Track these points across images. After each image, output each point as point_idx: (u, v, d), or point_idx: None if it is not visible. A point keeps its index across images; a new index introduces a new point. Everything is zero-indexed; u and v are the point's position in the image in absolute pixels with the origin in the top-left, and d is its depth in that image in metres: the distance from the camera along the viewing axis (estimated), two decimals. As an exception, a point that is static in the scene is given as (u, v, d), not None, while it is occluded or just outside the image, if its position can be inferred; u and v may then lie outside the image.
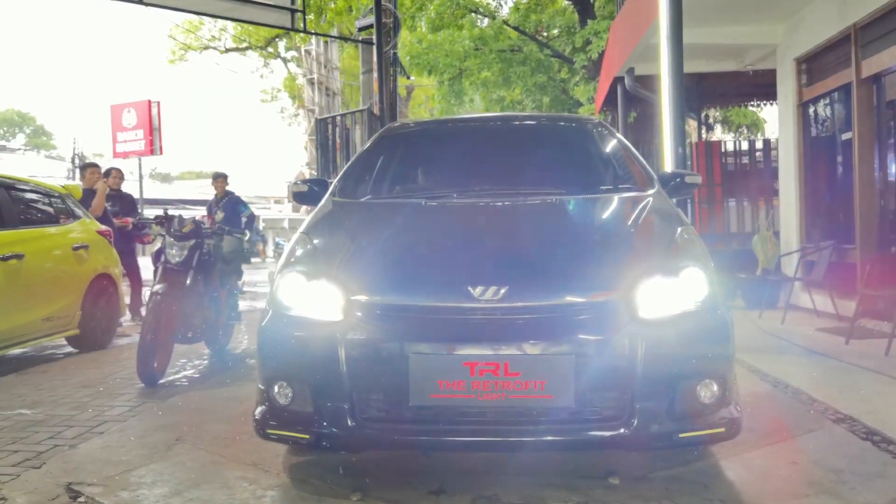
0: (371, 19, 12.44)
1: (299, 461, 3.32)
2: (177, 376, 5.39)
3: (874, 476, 3.04)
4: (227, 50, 32.95)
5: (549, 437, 2.58)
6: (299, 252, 3.12)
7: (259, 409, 2.94)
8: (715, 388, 2.72)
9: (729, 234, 11.03)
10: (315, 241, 3.19)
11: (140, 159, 33.93)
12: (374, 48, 11.61)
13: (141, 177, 33.58)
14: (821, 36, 7.82)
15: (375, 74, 11.77)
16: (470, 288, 2.67)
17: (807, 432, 3.69)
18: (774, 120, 21.84)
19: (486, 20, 18.70)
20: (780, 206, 9.21)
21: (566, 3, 18.26)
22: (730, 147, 11.87)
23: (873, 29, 6.94)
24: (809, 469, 3.14)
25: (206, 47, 32.45)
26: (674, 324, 2.69)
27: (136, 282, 8.93)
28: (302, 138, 40.75)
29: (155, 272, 5.46)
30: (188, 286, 5.31)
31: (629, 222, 3.17)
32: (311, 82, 34.13)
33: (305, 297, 2.87)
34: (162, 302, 5.05)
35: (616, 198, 3.50)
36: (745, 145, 11.54)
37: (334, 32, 20.07)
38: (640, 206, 3.29)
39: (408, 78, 16.46)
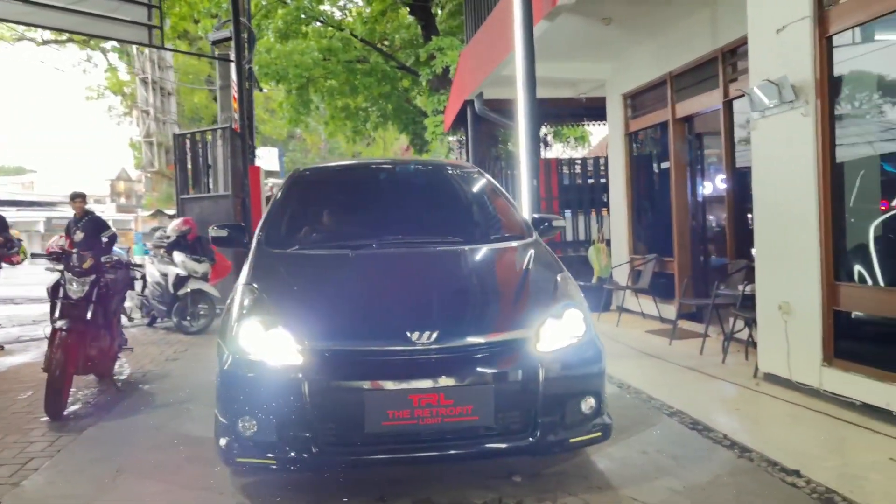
0: (226, 32, 12.54)
1: (247, 482, 3.79)
2: (76, 408, 5.54)
3: (703, 459, 4.04)
4: (45, 42, 30.79)
5: (476, 449, 3.31)
6: (250, 302, 3.61)
7: (224, 441, 3.41)
8: (593, 402, 3.56)
9: (566, 243, 12.31)
10: (261, 292, 3.68)
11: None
12: (234, 64, 11.75)
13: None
14: (643, 78, 9.13)
15: (234, 91, 11.93)
16: (408, 333, 3.33)
17: (650, 426, 4.67)
18: (599, 134, 24.00)
19: (333, 30, 19.08)
20: (612, 222, 10.51)
21: (410, 17, 19.06)
22: (565, 163, 13.19)
23: (684, 79, 8.28)
24: (655, 457, 4.09)
25: (21, 38, 30.15)
26: (563, 354, 3.50)
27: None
28: (129, 136, 38.87)
29: (53, 307, 5.58)
30: (89, 321, 5.50)
31: (522, 270, 3.94)
32: (143, 82, 32.65)
33: (264, 344, 3.39)
34: (67, 338, 5.22)
35: (508, 247, 4.27)
36: (578, 162, 12.88)
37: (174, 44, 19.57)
38: (528, 255, 4.08)
39: (260, 90, 16.52)
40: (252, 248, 4.27)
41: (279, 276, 3.87)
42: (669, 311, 8.50)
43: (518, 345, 3.42)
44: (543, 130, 16.93)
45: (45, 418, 5.18)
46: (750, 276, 6.82)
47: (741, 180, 7.58)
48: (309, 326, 3.40)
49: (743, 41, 6.97)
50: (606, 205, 12.25)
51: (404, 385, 3.24)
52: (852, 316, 4.94)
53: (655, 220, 9.82)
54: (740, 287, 6.50)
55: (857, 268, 4.93)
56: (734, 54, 7.29)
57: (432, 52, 17.03)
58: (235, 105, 12.17)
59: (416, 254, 4.14)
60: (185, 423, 5.05)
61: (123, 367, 7.19)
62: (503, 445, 3.35)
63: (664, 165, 9.19)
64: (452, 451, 3.29)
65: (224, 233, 4.67)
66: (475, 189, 4.95)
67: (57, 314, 5.45)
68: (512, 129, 13.56)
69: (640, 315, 9.16)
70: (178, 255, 9.58)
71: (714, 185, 8.79)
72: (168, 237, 9.83)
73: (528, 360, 3.39)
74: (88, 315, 5.49)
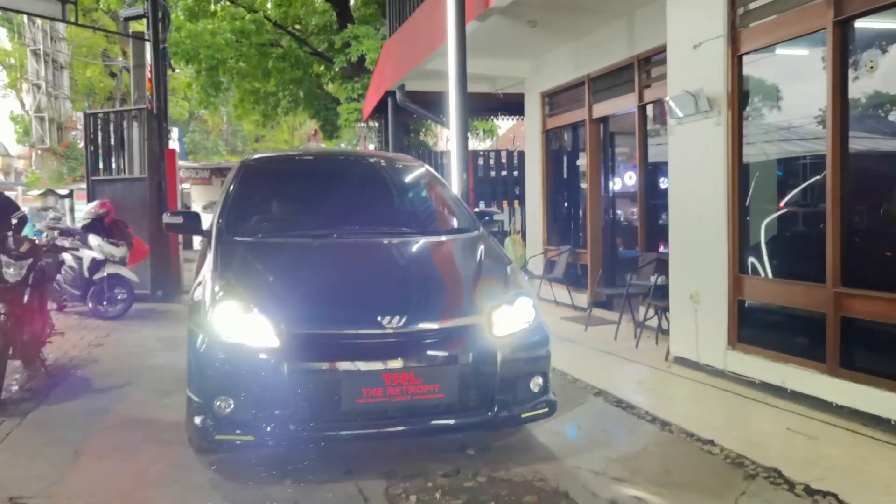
0: (139, 9, 12.21)
1: (213, 459, 3.94)
2: (10, 394, 5.43)
3: (631, 432, 4.51)
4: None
5: (441, 423, 3.63)
6: (222, 288, 3.76)
7: (200, 419, 3.57)
8: (541, 381, 3.94)
9: (481, 233, 12.78)
10: (231, 279, 3.84)
11: None
12: (149, 44, 11.49)
13: None
14: (562, 79, 9.63)
15: (149, 72, 11.67)
16: (379, 318, 3.60)
17: (579, 405, 5.11)
18: (505, 127, 24.64)
19: (244, 11, 18.75)
20: (527, 214, 11.02)
21: (325, 3, 18.98)
22: (480, 155, 13.64)
23: (601, 82, 8.83)
24: (589, 431, 4.52)
25: None
26: (516, 338, 3.86)
27: None
28: (10, 110, 36.45)
29: (-16, 290, 5.47)
30: (25, 304, 5.43)
31: (476, 261, 4.26)
32: (35, 53, 30.78)
33: (241, 328, 3.57)
34: (6, 322, 5.15)
35: (460, 238, 4.59)
36: (493, 155, 13.36)
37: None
38: (480, 247, 4.41)
39: (172, 70, 16.09)
40: (213, 235, 4.39)
41: (247, 263, 4.03)
42: (582, 299, 9.07)
43: (477, 329, 3.76)
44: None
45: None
46: (660, 269, 7.43)
47: (652, 178, 8.21)
48: (284, 311, 3.61)
49: (657, 51, 7.56)
50: (520, 197, 12.79)
51: (378, 366, 3.51)
52: (751, 305, 5.54)
53: (569, 214, 10.39)
54: (652, 278, 7.08)
55: (756, 261, 5.55)
56: (649, 62, 7.86)
57: (348, 40, 17.08)
58: (150, 86, 11.91)
59: (376, 244, 4.39)
60: (130, 407, 5.11)
61: (47, 353, 7.04)
62: (465, 420, 3.69)
63: (579, 162, 9.74)
64: (420, 426, 3.60)
65: (179, 220, 4.76)
66: (424, 183, 5.23)
67: (-8, 298, 5.35)
68: (431, 120, 13.91)
69: (554, 303, 9.70)
70: (93, 239, 9.35)
71: (626, 182, 9.43)
72: (84, 220, 9.57)
73: (486, 343, 3.73)
74: (25, 299, 5.42)
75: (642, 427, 4.61)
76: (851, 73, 4.61)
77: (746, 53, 5.43)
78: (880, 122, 4.78)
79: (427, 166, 5.49)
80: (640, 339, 7.03)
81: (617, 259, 9.14)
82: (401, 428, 3.58)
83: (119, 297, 9.37)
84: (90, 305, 9.24)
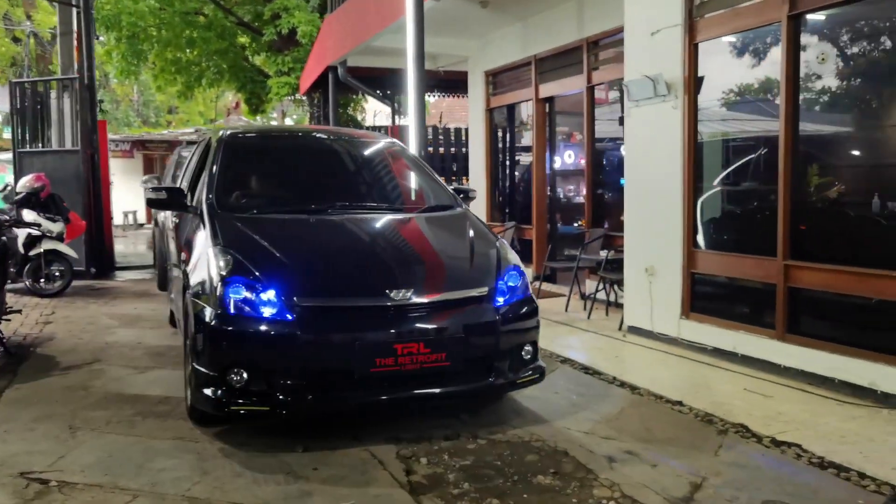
0: (64, -27, 11.68)
1: (217, 430, 4.01)
2: (-26, 372, 5.32)
3: (605, 396, 4.84)
4: None
5: (447, 390, 3.83)
6: (227, 263, 3.81)
7: (210, 391, 3.64)
8: (531, 349, 4.20)
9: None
10: (235, 254, 3.89)
11: None
12: (76, 10, 11.02)
13: None
14: (508, 58, 9.86)
15: (76, 40, 11.20)
16: (387, 290, 3.76)
17: (550, 371, 5.34)
18: (436, 105, 24.73)
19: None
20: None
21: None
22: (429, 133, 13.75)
23: (549, 62, 9.11)
24: (567, 395, 4.82)
25: None
26: (512, 309, 4.09)
27: None
28: None
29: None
30: (-13, 281, 5.29)
31: (468, 236, 4.45)
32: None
33: (252, 302, 3.65)
34: (-26, 299, 5.02)
35: (448, 215, 4.76)
36: (438, 132, 13.51)
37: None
38: (468, 223, 4.60)
39: (97, 38, 15.39)
40: (203, 211, 4.40)
41: (248, 238, 4.08)
42: (527, 273, 9.39)
43: (479, 300, 3.98)
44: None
45: (-55, 383, 4.97)
46: (607, 244, 7.83)
47: (599, 157, 8.58)
48: (294, 285, 3.71)
49: (607, 34, 7.89)
50: (462, 174, 13.00)
51: (390, 336, 3.68)
52: (704, 277, 5.97)
53: (513, 191, 10.69)
54: (602, 253, 7.47)
55: (710, 236, 5.98)
56: (597, 45, 8.18)
57: (277, 11, 16.77)
58: (77, 55, 11.43)
59: (369, 219, 4.52)
60: (108, 383, 5.07)
61: (-4, 331, 6.83)
62: (468, 386, 3.91)
63: (525, 140, 10.03)
64: (428, 392, 3.79)
65: (163, 195, 4.74)
66: (404, 161, 5.36)
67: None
68: (372, 96, 13.91)
69: (500, 277, 9.99)
70: (28, 214, 8.99)
71: (572, 160, 9.79)
72: (18, 193, 9.19)
73: (487, 314, 3.95)
74: (-12, 276, 5.28)
75: (614, 391, 4.95)
76: (802, 62, 5.02)
77: (702, 41, 5.79)
78: (827, 108, 5.23)
79: (402, 145, 5.62)
80: (591, 311, 7.40)
81: (559, 234, 9.51)
82: (410, 393, 3.76)
83: (57, 274, 9.09)
84: (27, 282, 8.92)
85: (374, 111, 26.44)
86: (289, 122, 38.81)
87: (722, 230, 6.00)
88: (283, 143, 5.44)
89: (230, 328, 3.63)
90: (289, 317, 3.62)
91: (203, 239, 4.18)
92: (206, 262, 3.95)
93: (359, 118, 22.35)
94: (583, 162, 9.76)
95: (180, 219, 5.41)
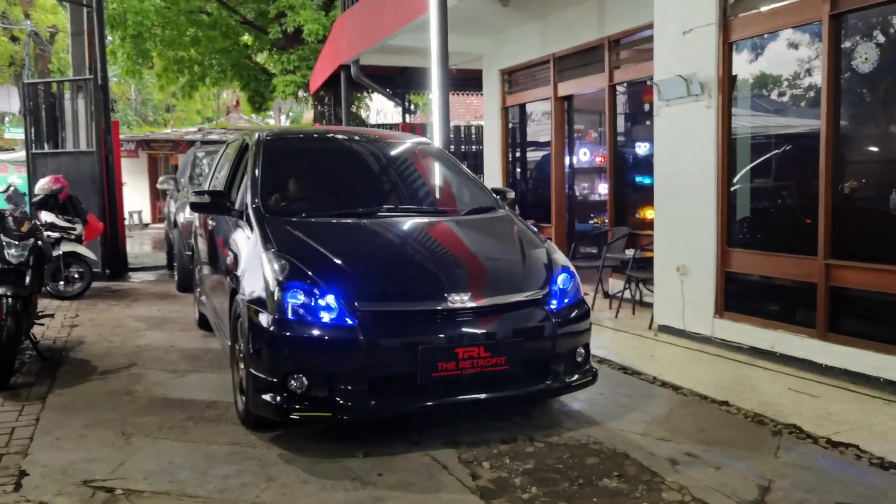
0: (75, -27, 11.60)
1: (274, 436, 3.99)
2: (14, 378, 5.25)
3: (650, 396, 4.84)
4: None
5: (507, 393, 3.84)
6: (282, 267, 3.79)
7: (270, 396, 3.63)
8: (584, 352, 4.20)
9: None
10: (291, 258, 3.87)
11: None
12: (91, 9, 10.95)
13: None
14: (525, 57, 9.85)
15: (87, 39, 11.14)
16: (446, 294, 3.75)
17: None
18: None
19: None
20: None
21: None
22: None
23: (568, 61, 9.10)
24: (612, 396, 4.79)
25: None
26: (567, 311, 4.09)
27: None
28: None
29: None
30: (26, 286, 5.25)
31: (517, 238, 4.44)
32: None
33: (311, 306, 3.64)
34: (15, 305, 4.97)
35: (493, 217, 4.75)
36: (451, 130, 13.49)
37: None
38: (515, 226, 4.60)
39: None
40: (250, 215, 4.38)
41: (301, 242, 4.06)
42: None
43: (535, 303, 3.97)
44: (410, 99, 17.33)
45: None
46: (631, 243, 7.84)
47: (621, 156, 8.58)
48: (354, 289, 3.70)
49: (629, 32, 7.89)
50: (477, 172, 12.99)
51: (451, 341, 3.67)
52: (738, 276, 5.97)
53: (530, 189, 10.69)
54: (628, 251, 7.47)
55: (745, 235, 5.98)
56: (618, 44, 8.17)
57: (282, 10, 16.73)
58: (89, 55, 11.36)
59: (418, 222, 4.51)
60: (150, 387, 5.04)
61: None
62: (527, 390, 3.92)
63: (543, 139, 10.02)
64: (488, 396, 3.79)
65: (206, 199, 4.72)
66: (444, 162, 5.34)
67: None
68: (383, 95, 13.89)
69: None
70: (47, 216, 8.95)
71: (589, 158, 9.79)
72: (36, 196, 9.13)
73: (543, 317, 3.95)
74: (27, 281, 5.24)
75: (657, 391, 4.95)
76: (843, 61, 5.02)
77: (737, 41, 5.79)
78: (869, 106, 5.23)
79: (438, 146, 5.61)
80: (618, 310, 7.41)
81: (580, 233, 9.51)
82: (472, 397, 3.75)
83: (76, 276, 9.05)
84: (48, 285, 8.87)
85: (376, 109, 26.44)
86: (284, 120, 38.77)
87: (758, 229, 6.01)
88: (321, 145, 5.41)
89: (290, 334, 3.62)
90: (349, 322, 3.61)
91: (252, 243, 4.16)
92: (259, 266, 3.92)
93: (363, 116, 22.35)
94: (598, 160, 9.80)
95: (216, 221, 5.39)
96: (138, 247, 16.71)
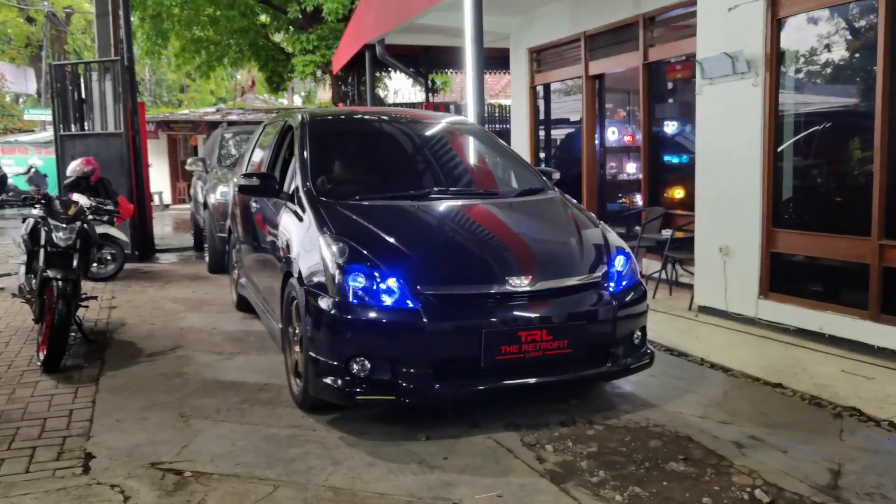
0: (98, -47, 11.54)
1: (332, 418, 3.99)
2: (64, 361, 5.26)
3: (702, 378, 4.79)
4: None
5: (569, 376, 3.82)
6: (341, 251, 3.77)
7: (331, 379, 3.63)
8: (640, 334, 4.17)
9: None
10: (350, 242, 3.85)
11: None
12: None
13: None
14: (554, 35, 9.72)
15: (112, 20, 11.10)
16: (507, 277, 3.72)
17: (636, 353, 5.36)
18: (459, 84, 24.52)
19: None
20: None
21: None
22: (452, 108, 13.64)
23: (600, 39, 8.98)
24: (663, 379, 4.75)
25: None
26: (625, 294, 4.06)
27: None
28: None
29: (31, 255, 5.26)
30: (74, 269, 5.26)
31: (572, 220, 4.40)
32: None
33: (372, 289, 3.62)
34: (65, 287, 4.98)
35: (545, 199, 4.71)
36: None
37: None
38: (568, 208, 4.55)
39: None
40: (302, 198, 4.35)
41: (357, 225, 4.04)
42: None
43: (595, 286, 3.94)
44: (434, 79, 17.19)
45: (41, 373, 4.96)
46: (666, 223, 7.77)
47: (655, 135, 8.47)
48: (415, 273, 3.68)
49: (665, 9, 7.76)
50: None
51: (515, 324, 3.65)
52: (785, 256, 5.90)
53: (559, 168, 10.58)
54: (665, 232, 7.40)
55: (792, 215, 5.91)
56: (654, 21, 8.05)
57: (301, -12, 16.57)
58: (115, 36, 11.34)
59: (471, 204, 4.47)
60: (200, 369, 5.05)
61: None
62: (588, 372, 3.90)
63: (573, 118, 9.92)
64: (551, 379, 3.77)
65: (255, 182, 4.70)
66: (488, 143, 5.29)
67: (42, 263, 5.16)
68: (407, 75, 13.78)
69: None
70: (80, 198, 8.94)
71: (619, 137, 9.69)
72: (68, 178, 9.14)
73: (603, 299, 3.92)
74: (74, 264, 5.25)
75: (708, 373, 4.92)
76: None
77: (786, 17, 5.68)
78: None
79: (481, 126, 5.55)
80: (656, 291, 7.36)
81: (610, 213, 9.43)
82: (535, 380, 3.73)
83: (109, 258, 9.08)
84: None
85: (393, 90, 26.28)
86: (297, 100, 38.61)
87: (805, 209, 5.93)
88: (365, 126, 5.37)
89: (352, 317, 3.60)
90: (411, 304, 3.59)
91: (306, 226, 4.14)
92: (316, 250, 3.90)
93: (382, 95, 22.22)
94: (626, 139, 9.70)
95: (260, 203, 5.37)
96: (159, 228, 16.75)
